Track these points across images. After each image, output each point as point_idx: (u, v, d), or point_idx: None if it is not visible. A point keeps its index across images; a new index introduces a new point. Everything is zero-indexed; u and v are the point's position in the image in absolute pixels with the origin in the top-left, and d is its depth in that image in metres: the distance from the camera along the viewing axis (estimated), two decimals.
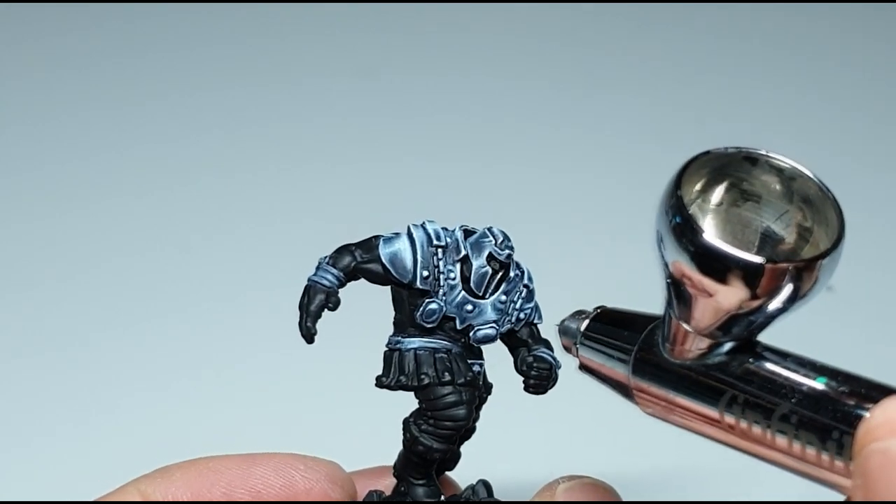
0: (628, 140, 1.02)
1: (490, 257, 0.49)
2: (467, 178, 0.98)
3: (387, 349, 0.50)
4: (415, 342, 0.49)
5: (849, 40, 1.13)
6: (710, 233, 0.41)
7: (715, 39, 1.13)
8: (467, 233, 0.50)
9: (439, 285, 0.48)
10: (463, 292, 0.49)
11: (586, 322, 0.49)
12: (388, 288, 0.50)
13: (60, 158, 1.00)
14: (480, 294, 0.49)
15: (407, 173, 0.98)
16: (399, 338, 0.50)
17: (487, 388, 0.51)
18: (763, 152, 0.43)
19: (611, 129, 1.03)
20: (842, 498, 0.40)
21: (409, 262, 0.48)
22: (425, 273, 0.48)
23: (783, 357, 0.42)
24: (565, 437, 0.72)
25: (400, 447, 0.51)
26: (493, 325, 0.50)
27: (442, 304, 0.49)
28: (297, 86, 1.07)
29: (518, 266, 0.50)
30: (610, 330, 0.48)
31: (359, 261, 0.49)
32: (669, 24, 1.14)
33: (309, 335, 0.48)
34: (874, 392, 0.39)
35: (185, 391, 0.82)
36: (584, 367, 0.49)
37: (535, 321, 0.51)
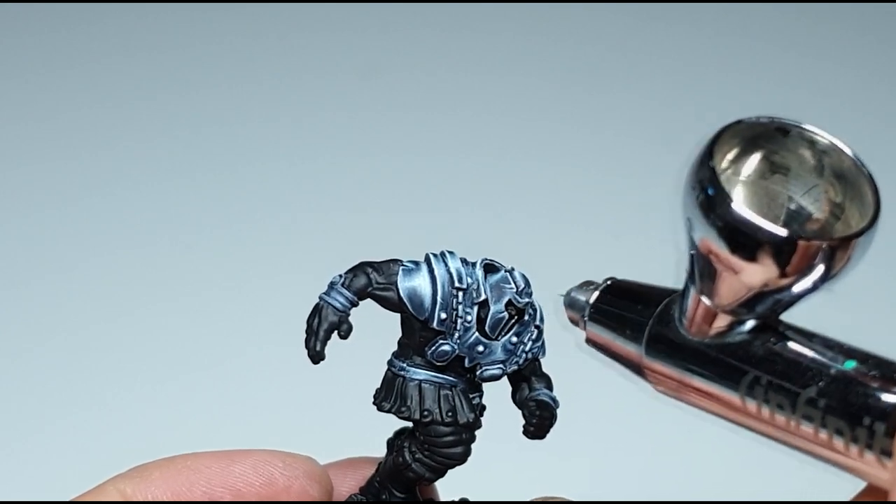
0: (628, 122, 1.01)
1: (509, 303, 0.47)
2: (473, 162, 0.97)
3: (389, 372, 0.49)
4: (420, 374, 0.48)
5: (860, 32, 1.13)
6: (741, 205, 0.39)
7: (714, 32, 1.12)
8: (488, 268, 0.48)
9: (455, 328, 0.47)
10: (476, 334, 0.47)
11: (596, 294, 0.47)
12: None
13: (60, 157, 0.98)
14: (493, 336, 0.48)
15: (411, 170, 0.97)
16: (404, 364, 0.48)
17: (480, 411, 0.50)
18: (796, 123, 0.41)
19: (612, 111, 1.02)
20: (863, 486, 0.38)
21: (427, 301, 0.47)
22: (443, 315, 0.47)
23: (809, 338, 0.41)
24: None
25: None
26: (501, 365, 0.48)
27: (455, 346, 0.47)
28: (307, 89, 1.06)
29: (532, 306, 0.48)
30: (621, 303, 0.46)
31: (374, 286, 0.47)
32: (673, 22, 1.13)
33: (317, 357, 0.47)
34: None
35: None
36: (590, 342, 0.47)
37: (540, 356, 0.49)
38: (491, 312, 0.47)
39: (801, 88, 1.07)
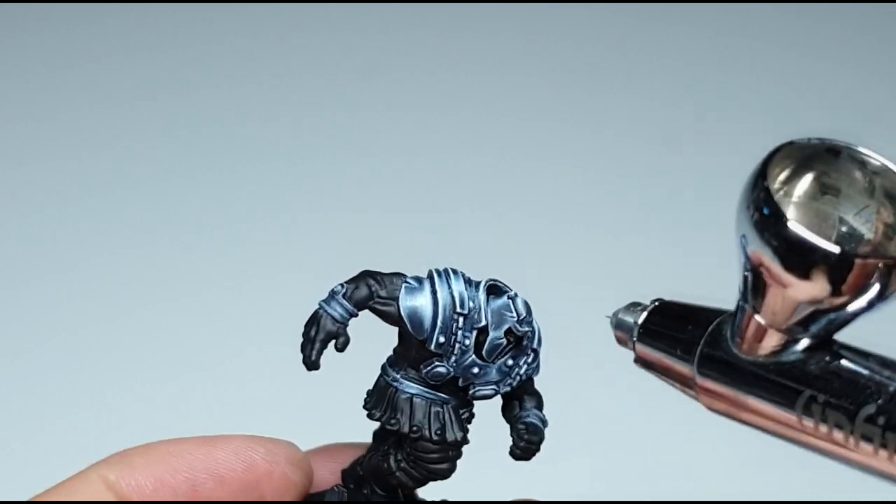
0: (629, 122, 1.01)
1: (508, 331, 0.47)
2: (473, 162, 0.97)
3: (382, 380, 0.49)
4: (413, 388, 0.48)
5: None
6: (796, 223, 0.39)
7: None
8: (491, 290, 0.48)
9: (452, 351, 0.47)
10: (473, 356, 0.47)
11: (644, 315, 0.48)
12: None
13: (60, 157, 0.98)
14: (490, 360, 0.48)
15: (411, 170, 0.97)
16: (398, 375, 0.48)
17: (469, 420, 0.50)
18: (847, 144, 0.42)
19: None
20: None
21: (427, 323, 0.46)
22: (442, 339, 0.46)
23: (864, 356, 0.41)
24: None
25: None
26: (495, 385, 0.48)
27: (451, 368, 0.47)
28: (307, 89, 1.06)
29: (531, 331, 0.48)
30: (670, 323, 0.47)
31: (375, 300, 0.47)
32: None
33: (312, 366, 0.47)
34: None
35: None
36: (641, 362, 0.48)
37: (534, 375, 0.49)
38: (490, 338, 0.47)
39: (802, 88, 1.08)
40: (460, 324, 0.46)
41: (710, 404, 0.45)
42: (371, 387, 0.49)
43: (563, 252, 0.90)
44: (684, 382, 0.45)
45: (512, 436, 0.49)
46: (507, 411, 0.50)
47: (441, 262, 0.49)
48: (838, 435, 0.40)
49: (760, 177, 0.40)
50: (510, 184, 0.97)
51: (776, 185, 0.41)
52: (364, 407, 0.49)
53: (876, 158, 0.41)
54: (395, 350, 0.49)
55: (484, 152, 1.00)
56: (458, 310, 0.46)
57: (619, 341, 0.49)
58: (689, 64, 1.09)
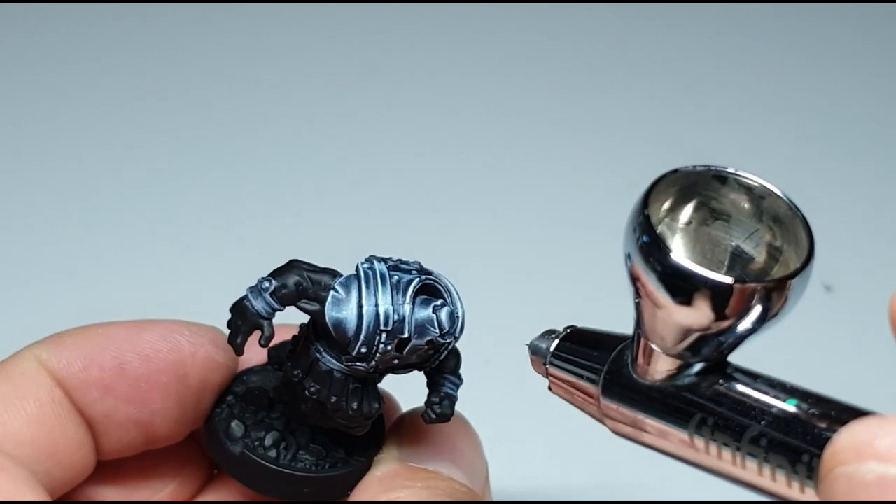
0: (631, 124, 1.01)
1: (430, 341, 0.48)
2: (473, 162, 0.97)
3: (305, 343, 0.49)
4: (333, 364, 0.49)
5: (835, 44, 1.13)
6: (679, 252, 0.40)
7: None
8: (422, 291, 0.48)
9: (373, 357, 0.48)
10: (394, 354, 0.48)
11: (556, 342, 0.49)
12: None
13: (60, 157, 0.99)
14: (410, 357, 0.49)
15: (411, 170, 0.98)
16: (320, 347, 0.49)
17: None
18: (732, 171, 0.43)
19: (597, 127, 1.02)
20: None
21: (350, 333, 0.48)
22: (364, 350, 0.48)
23: (753, 378, 0.42)
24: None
25: None
26: (415, 368, 0.50)
27: (371, 368, 0.48)
28: (307, 89, 1.07)
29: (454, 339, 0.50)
30: (580, 350, 0.48)
31: (302, 300, 0.48)
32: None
33: (239, 351, 0.49)
34: (845, 415, 0.38)
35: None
36: (554, 388, 0.49)
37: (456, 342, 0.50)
38: (411, 344, 0.48)
39: (802, 89, 1.07)
40: (383, 338, 0.47)
41: (614, 427, 0.46)
42: (295, 335, 0.50)
43: (560, 250, 0.89)
44: (592, 407, 0.46)
45: (428, 402, 0.50)
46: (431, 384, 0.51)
47: (432, 263, 0.50)
48: (727, 454, 0.41)
49: (643, 205, 0.41)
50: (509, 184, 0.97)
51: (661, 214, 0.42)
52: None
53: (758, 182, 0.42)
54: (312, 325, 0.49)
55: (484, 153, 1.00)
56: (382, 327, 0.47)
57: (535, 367, 0.50)
58: (689, 64, 1.09)
